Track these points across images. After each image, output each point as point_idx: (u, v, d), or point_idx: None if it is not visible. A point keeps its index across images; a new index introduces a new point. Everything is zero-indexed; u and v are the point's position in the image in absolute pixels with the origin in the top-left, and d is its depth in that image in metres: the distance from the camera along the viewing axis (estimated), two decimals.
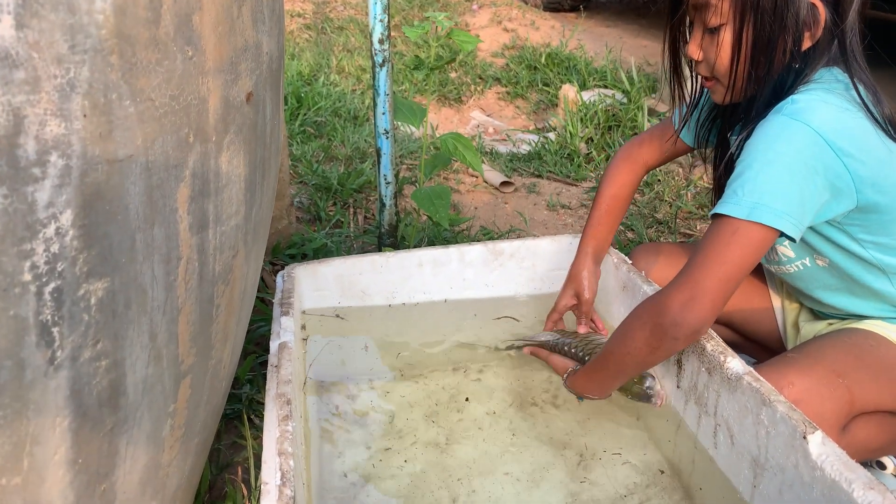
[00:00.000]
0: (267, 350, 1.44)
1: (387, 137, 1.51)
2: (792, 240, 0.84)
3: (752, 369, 0.85)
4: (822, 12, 0.86)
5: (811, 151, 0.83)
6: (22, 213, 0.42)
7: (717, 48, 0.91)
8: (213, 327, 0.68)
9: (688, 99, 1.07)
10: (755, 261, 0.85)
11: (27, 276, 0.44)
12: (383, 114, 1.48)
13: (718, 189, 1.07)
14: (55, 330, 0.47)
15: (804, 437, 0.73)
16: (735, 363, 0.86)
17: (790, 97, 0.87)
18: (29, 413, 0.47)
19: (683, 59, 1.01)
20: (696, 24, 0.94)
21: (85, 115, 0.45)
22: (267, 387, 0.87)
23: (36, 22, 0.40)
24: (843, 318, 1.03)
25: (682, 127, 1.13)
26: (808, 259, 0.99)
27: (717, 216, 0.86)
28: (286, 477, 0.70)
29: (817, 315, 1.08)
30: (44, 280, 0.45)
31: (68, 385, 0.49)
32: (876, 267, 0.94)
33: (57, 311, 0.46)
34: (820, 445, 0.73)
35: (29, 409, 0.47)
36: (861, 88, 0.88)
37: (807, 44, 0.88)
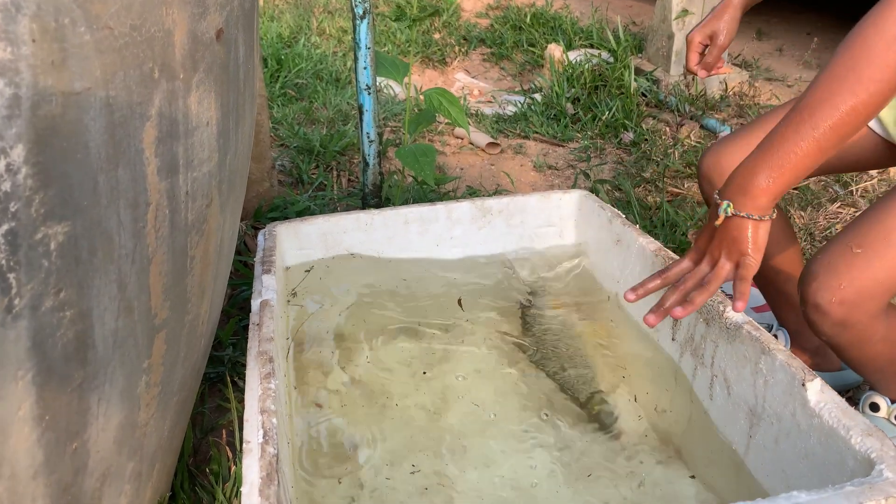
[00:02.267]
0: (248, 314, 1.41)
1: (369, 93, 1.46)
2: None
3: (751, 319, 0.83)
4: None
5: None
6: None
7: None
8: (188, 280, 0.64)
9: None
10: None
11: None
12: (365, 68, 1.43)
13: None
14: (11, 276, 0.43)
15: (803, 385, 0.71)
16: (733, 314, 0.84)
17: None
18: None
19: None
20: None
21: (34, 41, 0.41)
22: (249, 345, 0.84)
23: None
24: None
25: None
26: None
27: None
28: (269, 435, 0.67)
29: None
30: None
31: (29, 336, 0.46)
32: None
33: (12, 255, 0.43)
34: (818, 393, 0.71)
35: None
36: None
37: None
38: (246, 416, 0.72)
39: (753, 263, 0.77)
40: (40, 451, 0.51)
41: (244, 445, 0.68)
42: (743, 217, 0.76)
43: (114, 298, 0.53)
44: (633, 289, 0.87)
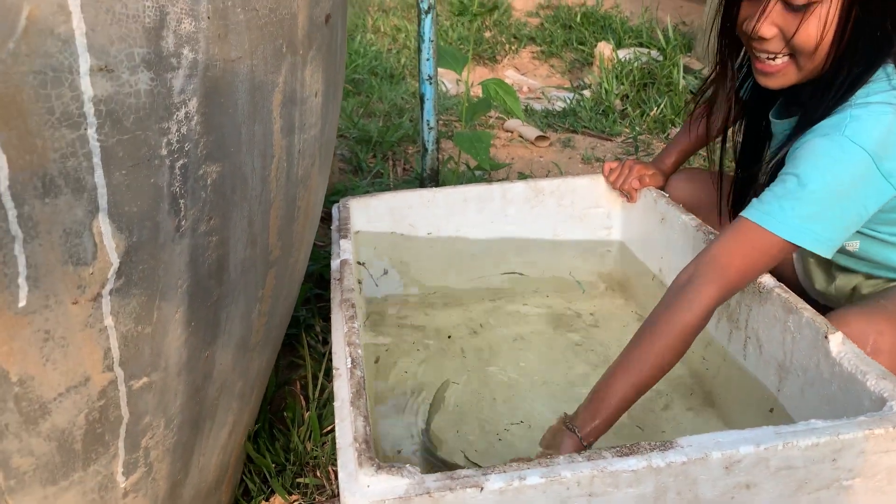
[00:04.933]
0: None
1: (430, 83, 1.58)
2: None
3: (780, 283, 0.91)
4: None
5: (864, 179, 0.85)
6: (162, 96, 0.51)
7: (810, 27, 0.86)
8: (294, 227, 0.76)
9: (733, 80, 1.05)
10: (776, 263, 0.90)
11: (164, 151, 0.52)
12: (427, 60, 1.55)
13: (741, 175, 1.12)
14: (181, 202, 0.56)
15: (825, 337, 0.80)
16: (766, 278, 0.93)
17: (849, 111, 0.87)
18: (160, 271, 0.56)
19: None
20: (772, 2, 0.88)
21: (209, 17, 0.53)
22: (332, 295, 0.96)
23: None
24: (877, 270, 1.03)
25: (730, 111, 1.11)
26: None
27: (753, 223, 0.87)
28: (356, 361, 0.79)
29: (847, 268, 1.08)
30: (175, 156, 0.54)
31: (188, 252, 0.58)
32: None
33: (184, 184, 0.55)
34: (840, 344, 0.80)
35: (160, 267, 0.56)
36: None
37: None
38: (334, 350, 0.84)
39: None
40: (185, 352, 0.64)
41: (334, 372, 0.80)
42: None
43: (244, 232, 0.65)
44: None
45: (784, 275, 1.18)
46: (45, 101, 0.44)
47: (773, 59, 0.92)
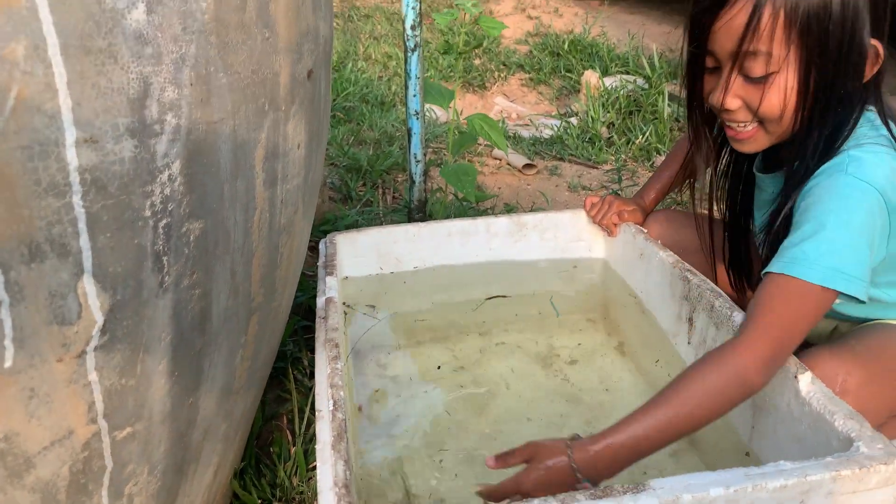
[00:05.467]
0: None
1: (417, 118, 1.61)
2: (862, 302, 0.83)
3: None
4: (881, 50, 0.87)
5: (877, 212, 0.84)
6: (146, 161, 0.53)
7: (773, 96, 0.88)
8: (277, 272, 0.78)
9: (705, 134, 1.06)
10: (822, 316, 0.86)
11: (147, 213, 0.54)
12: (414, 96, 1.58)
13: (733, 229, 1.13)
14: (164, 259, 0.58)
15: (795, 377, 0.82)
16: (740, 316, 0.95)
17: (847, 153, 0.87)
18: (143, 326, 0.58)
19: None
20: (728, 71, 0.90)
21: (191, 84, 0.55)
22: (316, 335, 0.98)
23: (160, 8, 0.51)
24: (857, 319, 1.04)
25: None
26: None
27: (781, 276, 0.84)
28: (338, 404, 0.81)
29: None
30: (158, 217, 0.56)
31: (171, 306, 0.60)
32: (888, 304, 0.97)
33: (167, 242, 0.57)
34: (809, 384, 0.82)
35: (144, 322, 0.58)
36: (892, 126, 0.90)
37: (868, 75, 0.88)
38: (317, 391, 0.86)
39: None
40: (169, 401, 0.65)
41: (317, 413, 0.82)
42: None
43: (227, 282, 0.67)
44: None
45: None
46: (32, 174, 0.46)
47: (744, 126, 0.94)
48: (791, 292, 0.83)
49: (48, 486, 0.57)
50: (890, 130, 0.89)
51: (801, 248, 0.84)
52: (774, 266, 0.85)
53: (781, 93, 0.88)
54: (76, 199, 0.49)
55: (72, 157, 0.47)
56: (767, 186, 1.06)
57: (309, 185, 0.83)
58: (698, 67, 0.95)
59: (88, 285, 0.52)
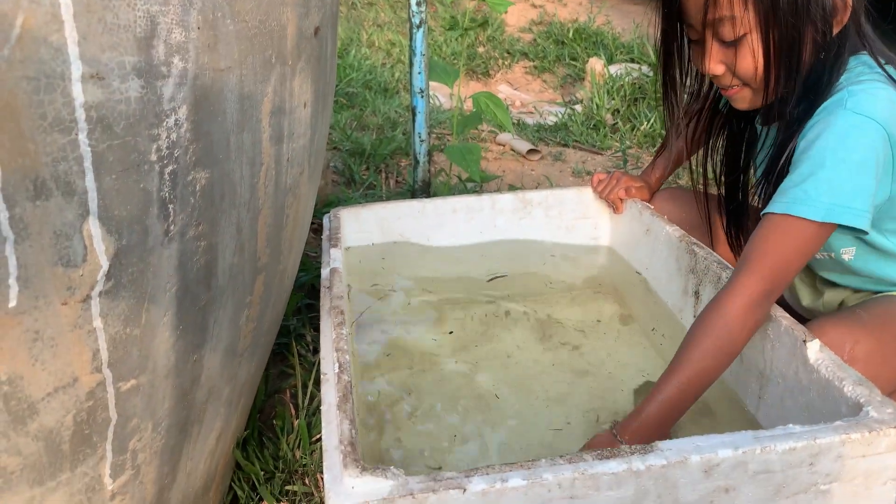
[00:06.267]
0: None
1: (422, 96, 1.60)
2: (865, 233, 0.86)
3: None
4: None
5: (880, 145, 0.85)
6: (152, 103, 0.52)
7: (745, 58, 0.91)
8: (283, 234, 0.78)
9: (680, 113, 1.12)
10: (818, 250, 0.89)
11: (153, 157, 0.54)
12: (419, 73, 1.57)
13: (731, 186, 1.15)
14: (170, 206, 0.57)
15: (804, 344, 0.82)
16: None
17: (847, 89, 0.88)
18: (149, 274, 0.57)
19: (677, 75, 1.06)
20: (707, 40, 0.94)
21: (199, 28, 0.55)
22: (321, 303, 0.97)
23: None
24: (864, 284, 1.04)
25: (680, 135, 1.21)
26: (833, 253, 1.02)
27: (780, 216, 0.86)
28: (343, 367, 0.80)
29: (834, 283, 1.10)
30: (164, 162, 0.55)
31: (177, 256, 0.60)
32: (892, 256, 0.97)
33: (172, 190, 0.57)
34: (817, 352, 0.81)
35: (149, 270, 0.57)
36: (889, 67, 0.91)
37: (835, 30, 0.91)
38: (322, 355, 0.85)
39: None
40: (173, 355, 0.65)
41: (322, 377, 0.81)
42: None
43: (232, 238, 0.67)
44: None
45: None
46: (38, 107, 0.45)
47: (731, 87, 0.98)
48: (790, 232, 0.86)
49: (52, 435, 0.56)
50: (884, 69, 0.90)
51: (802, 188, 0.86)
52: (775, 207, 0.87)
53: (751, 52, 0.91)
54: (82, 137, 0.48)
55: (78, 92, 0.47)
56: (768, 139, 1.07)
57: (315, 147, 0.82)
58: (670, 45, 1.02)
59: (94, 227, 0.51)
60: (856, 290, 1.06)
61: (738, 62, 0.93)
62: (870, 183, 0.85)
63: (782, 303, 1.15)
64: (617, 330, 1.19)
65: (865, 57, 0.93)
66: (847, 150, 0.85)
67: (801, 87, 0.92)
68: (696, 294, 1.07)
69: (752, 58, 0.91)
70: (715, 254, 1.06)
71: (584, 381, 1.10)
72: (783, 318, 0.87)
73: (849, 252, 1.01)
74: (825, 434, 0.69)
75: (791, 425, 0.71)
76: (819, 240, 0.86)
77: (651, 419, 0.83)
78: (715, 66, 0.95)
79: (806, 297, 1.15)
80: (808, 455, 0.69)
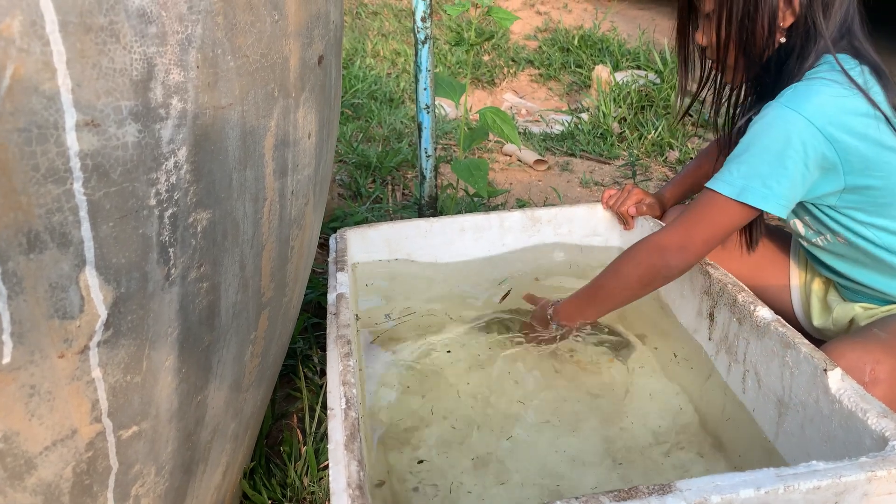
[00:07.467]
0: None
1: (428, 112, 1.58)
2: (781, 217, 0.96)
3: (779, 317, 0.91)
4: None
5: (801, 137, 0.91)
6: (150, 147, 0.50)
7: (709, 32, 1.02)
8: (288, 266, 0.76)
9: (691, 86, 1.18)
10: (738, 227, 1.00)
11: (152, 201, 0.52)
12: (425, 89, 1.55)
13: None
14: (171, 250, 0.55)
15: (825, 372, 0.79)
16: (764, 311, 0.92)
17: (793, 85, 0.96)
18: (149, 320, 0.55)
19: (690, 48, 1.14)
20: (700, 14, 1.04)
21: (198, 67, 0.53)
22: (328, 331, 0.95)
23: None
24: (873, 300, 1.05)
25: (686, 111, 1.28)
26: (828, 235, 1.04)
27: (708, 190, 0.98)
28: (350, 402, 0.78)
29: (845, 297, 1.11)
30: (164, 206, 0.53)
31: (178, 300, 0.58)
32: (886, 250, 0.98)
33: (173, 233, 0.55)
34: (839, 381, 0.79)
35: (150, 316, 0.55)
36: (867, 72, 0.95)
37: (788, 20, 0.98)
38: (329, 388, 0.83)
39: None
40: (176, 399, 0.63)
41: (329, 412, 0.79)
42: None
43: (236, 276, 0.65)
44: None
45: (783, 311, 1.18)
46: (30, 158, 0.43)
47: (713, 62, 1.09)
48: (710, 203, 0.98)
49: (51, 488, 0.54)
50: (843, 68, 0.94)
51: (728, 168, 0.97)
52: (709, 181, 0.99)
53: (713, 28, 1.01)
54: (77, 186, 0.46)
55: (72, 141, 0.45)
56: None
57: (320, 176, 0.80)
58: (687, 12, 1.10)
59: (91, 277, 0.49)
60: (865, 308, 1.05)
61: (704, 35, 1.04)
62: (792, 172, 0.92)
63: (795, 325, 1.13)
64: (630, 351, 1.17)
65: (846, 57, 0.96)
66: (770, 139, 0.93)
67: (770, 71, 1.01)
68: (711, 316, 1.05)
69: (713, 33, 1.02)
70: (730, 275, 1.04)
71: (597, 403, 1.07)
72: (802, 344, 0.84)
73: (841, 237, 1.03)
74: (850, 472, 0.67)
75: (814, 462, 0.68)
76: (735, 215, 0.97)
77: (567, 309, 1.13)
78: (700, 36, 1.06)
79: (817, 317, 1.13)
80: (833, 494, 0.66)
